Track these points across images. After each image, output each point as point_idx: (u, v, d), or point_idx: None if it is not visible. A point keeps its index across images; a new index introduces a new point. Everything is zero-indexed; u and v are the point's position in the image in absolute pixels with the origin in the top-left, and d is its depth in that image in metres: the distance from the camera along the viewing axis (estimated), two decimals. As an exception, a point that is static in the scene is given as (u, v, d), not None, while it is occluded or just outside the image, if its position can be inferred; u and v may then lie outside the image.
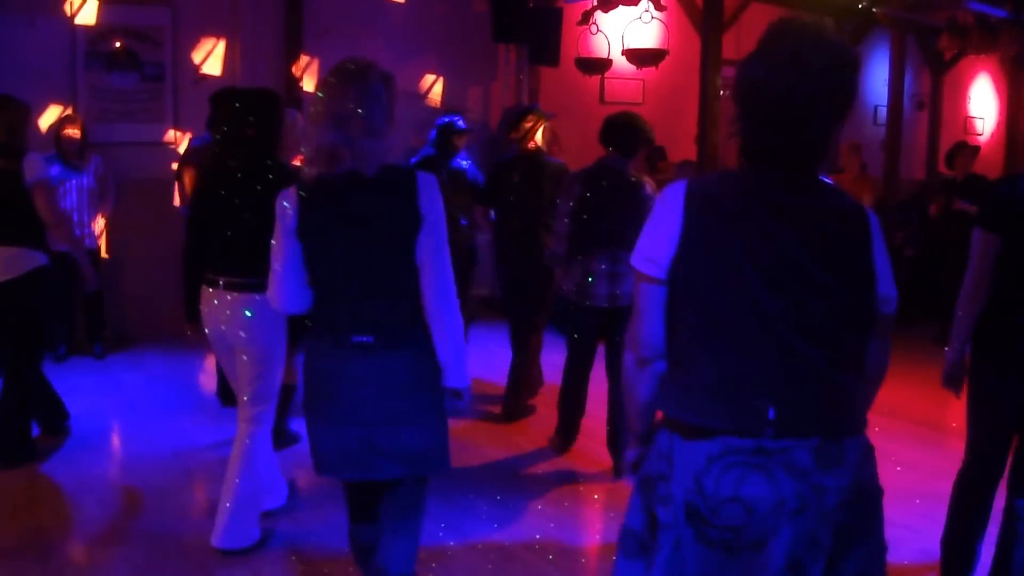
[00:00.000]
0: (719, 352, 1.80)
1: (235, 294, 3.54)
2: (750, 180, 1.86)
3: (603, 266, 4.56)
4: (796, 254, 1.77)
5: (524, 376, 5.58)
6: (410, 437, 2.59)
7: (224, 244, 3.60)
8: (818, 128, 1.81)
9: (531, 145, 5.46)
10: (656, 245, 1.88)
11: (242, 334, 3.56)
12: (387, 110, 2.54)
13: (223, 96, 4.76)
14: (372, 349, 2.53)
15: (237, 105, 3.67)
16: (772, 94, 1.79)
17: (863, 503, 1.81)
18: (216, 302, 3.59)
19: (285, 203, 2.58)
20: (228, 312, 3.56)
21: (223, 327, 3.60)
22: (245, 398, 3.67)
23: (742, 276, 1.77)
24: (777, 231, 1.78)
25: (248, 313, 3.52)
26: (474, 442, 5.10)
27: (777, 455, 1.74)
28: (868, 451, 1.85)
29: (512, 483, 4.56)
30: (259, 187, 3.50)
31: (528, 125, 5.48)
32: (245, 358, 3.61)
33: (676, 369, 1.89)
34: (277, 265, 2.64)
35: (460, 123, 5.83)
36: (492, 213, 5.78)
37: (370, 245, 2.52)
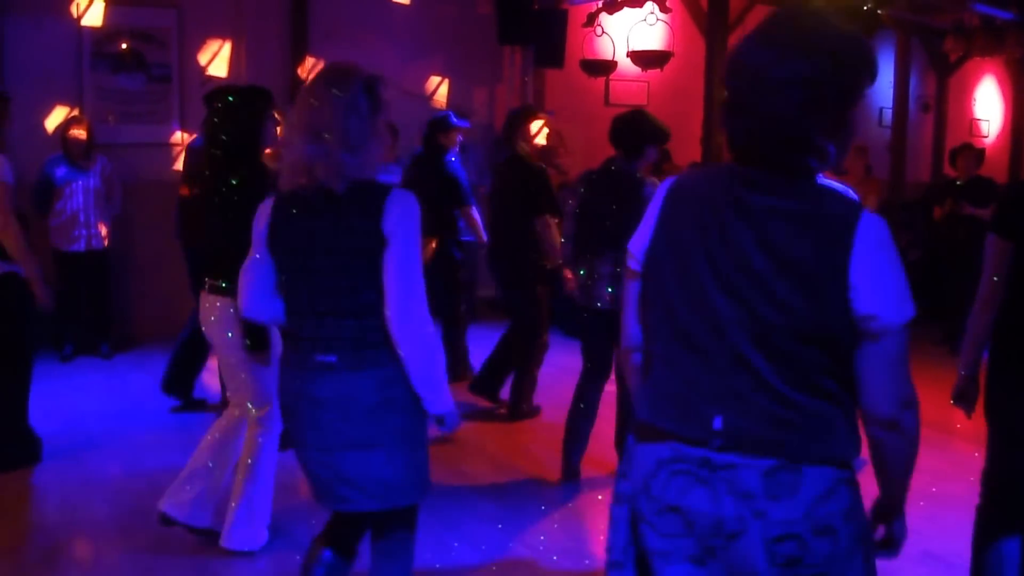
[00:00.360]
0: (675, 354, 1.74)
1: (216, 297, 3.57)
2: (724, 177, 1.73)
3: (607, 268, 4.53)
4: (752, 259, 1.64)
5: (528, 377, 5.58)
6: (379, 465, 2.43)
7: (204, 247, 3.61)
8: (796, 119, 1.63)
9: (521, 147, 5.46)
10: (637, 238, 1.86)
11: (225, 336, 3.57)
12: (367, 122, 2.41)
13: (213, 96, 4.73)
14: (335, 369, 2.41)
15: (218, 106, 3.67)
16: (746, 75, 1.68)
17: (821, 542, 1.62)
18: (205, 304, 3.64)
19: (261, 213, 2.54)
20: (211, 315, 3.60)
21: (212, 330, 3.63)
22: (248, 403, 3.68)
23: (700, 278, 1.70)
24: (737, 233, 1.66)
25: (222, 316, 3.54)
26: (477, 442, 5.12)
27: (722, 471, 1.65)
28: (836, 486, 1.64)
29: (516, 484, 4.57)
30: (234, 192, 3.49)
31: (537, 126, 5.50)
32: (233, 360, 3.63)
33: (644, 367, 1.88)
34: (244, 270, 2.59)
35: (453, 118, 5.83)
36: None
37: (334, 264, 2.41)
